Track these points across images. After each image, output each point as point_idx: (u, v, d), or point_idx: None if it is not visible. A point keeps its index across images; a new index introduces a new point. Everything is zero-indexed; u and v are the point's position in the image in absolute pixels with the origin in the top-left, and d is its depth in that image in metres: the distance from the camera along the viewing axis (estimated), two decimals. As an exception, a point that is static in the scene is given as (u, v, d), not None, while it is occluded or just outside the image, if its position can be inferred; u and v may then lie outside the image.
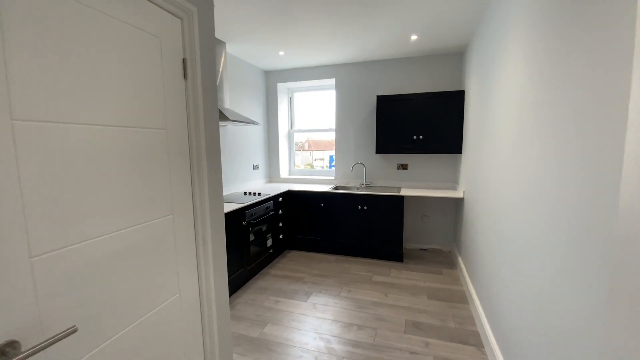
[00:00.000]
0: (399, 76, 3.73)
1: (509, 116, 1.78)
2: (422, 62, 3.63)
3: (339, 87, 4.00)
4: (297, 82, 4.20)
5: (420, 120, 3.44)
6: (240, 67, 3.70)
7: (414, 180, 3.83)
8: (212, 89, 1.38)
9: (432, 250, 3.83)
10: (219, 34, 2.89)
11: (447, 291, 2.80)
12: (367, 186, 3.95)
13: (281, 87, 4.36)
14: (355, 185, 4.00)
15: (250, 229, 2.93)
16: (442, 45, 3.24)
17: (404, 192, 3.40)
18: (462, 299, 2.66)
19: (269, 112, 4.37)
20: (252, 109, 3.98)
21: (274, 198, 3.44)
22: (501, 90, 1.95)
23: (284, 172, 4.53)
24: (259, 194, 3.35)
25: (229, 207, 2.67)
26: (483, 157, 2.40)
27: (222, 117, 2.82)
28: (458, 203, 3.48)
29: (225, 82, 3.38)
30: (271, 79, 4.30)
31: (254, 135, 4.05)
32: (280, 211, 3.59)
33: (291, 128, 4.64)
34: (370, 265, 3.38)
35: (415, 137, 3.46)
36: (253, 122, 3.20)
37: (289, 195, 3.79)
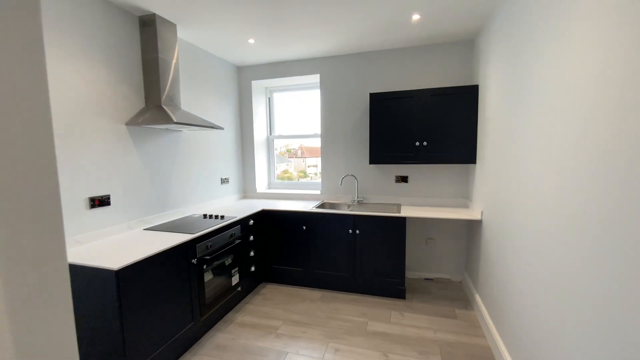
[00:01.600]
0: (397, 70, 3.09)
1: (575, 115, 1.12)
2: (424, 52, 3.00)
3: (324, 85, 3.35)
4: (275, 79, 3.53)
5: (423, 122, 2.79)
6: (204, 61, 3.02)
7: (416, 196, 3.16)
8: None
9: (440, 281, 3.15)
10: (161, 10, 2.21)
11: (466, 347, 2.10)
12: (360, 203, 3.26)
13: (257, 85, 3.68)
14: (345, 202, 3.31)
15: (204, 266, 2.21)
16: (449, 28, 2.61)
17: (405, 212, 2.73)
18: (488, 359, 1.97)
19: (242, 115, 3.68)
20: (220, 112, 3.29)
21: (243, 221, 2.72)
22: (555, 81, 1.30)
23: (261, 186, 3.82)
24: (222, 216, 2.64)
25: (170, 240, 1.96)
26: (514, 168, 1.75)
27: (166, 118, 2.12)
28: (473, 225, 2.81)
29: (182, 78, 2.69)
30: (244, 76, 3.63)
31: (223, 142, 3.35)
32: (252, 237, 2.87)
33: (270, 134, 3.96)
34: (364, 305, 2.67)
35: (417, 143, 2.81)
36: (213, 127, 2.51)
37: (264, 216, 3.08)
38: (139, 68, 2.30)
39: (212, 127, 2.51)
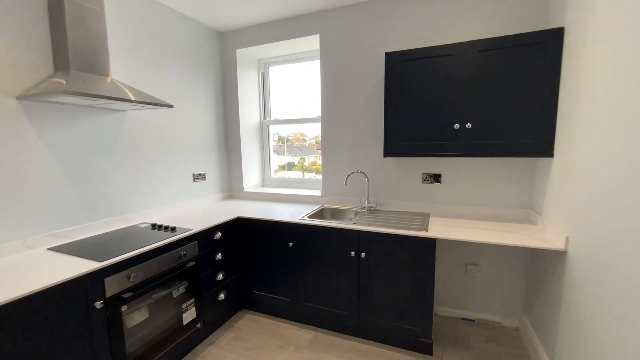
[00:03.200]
0: (425, 16, 2.13)
1: None
2: (470, -11, 2.01)
3: (325, 49, 2.47)
4: (265, 45, 2.71)
5: (465, 94, 1.83)
6: (168, 22, 2.28)
7: (453, 203, 2.22)
8: None
9: (485, 324, 2.20)
10: None
11: None
12: (372, 211, 2.38)
13: (244, 57, 2.89)
14: (352, 209, 2.45)
15: (122, 307, 1.49)
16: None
17: (436, 229, 1.82)
18: None
19: (227, 95, 2.92)
20: (192, 90, 2.55)
21: (204, 235, 1.98)
22: None
23: (252, 184, 3.06)
24: (173, 228, 1.91)
25: (62, 272, 1.25)
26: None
27: (57, 88, 1.40)
28: (544, 253, 1.84)
29: (131, 42, 1.98)
30: (228, 44, 2.85)
31: (196, 128, 2.62)
32: (220, 254, 2.13)
33: (264, 118, 3.17)
34: (370, 364, 1.83)
35: (456, 126, 1.86)
36: (154, 104, 1.77)
37: (240, 226, 2.32)
38: (44, 18, 1.60)
39: (153, 105, 1.77)
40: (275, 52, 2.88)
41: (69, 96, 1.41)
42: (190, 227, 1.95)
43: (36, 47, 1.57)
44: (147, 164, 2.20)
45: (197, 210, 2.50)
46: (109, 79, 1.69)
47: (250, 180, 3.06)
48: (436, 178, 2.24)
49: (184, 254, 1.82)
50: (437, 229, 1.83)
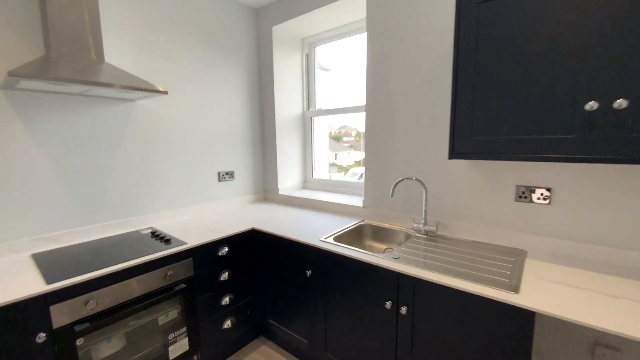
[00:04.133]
0: None
1: None
2: None
3: (373, 13, 1.82)
4: (305, 16, 2.20)
5: (609, 47, 0.97)
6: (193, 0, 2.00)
7: (571, 237, 1.33)
8: None
9: None
10: None
11: None
12: (430, 236, 1.65)
13: (284, 34, 2.44)
14: (402, 229, 1.77)
15: (77, 340, 1.21)
16: None
17: (535, 292, 1.03)
18: None
19: (262, 81, 2.53)
20: (219, 76, 2.23)
21: (204, 250, 1.62)
22: None
23: (288, 185, 2.63)
24: (168, 240, 1.59)
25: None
26: None
27: (43, 72, 1.16)
28: None
29: (136, 22, 1.73)
30: (264, 22, 2.44)
31: (226, 120, 2.30)
32: (226, 274, 1.74)
33: (307, 109, 2.69)
34: None
35: (590, 105, 1.01)
36: (144, 89, 1.45)
37: (256, 238, 1.90)
38: (34, -3, 1.42)
39: (141, 90, 1.45)
40: (318, 27, 2.35)
41: (27, 80, 1.17)
42: (186, 241, 1.60)
43: (25, 30, 1.40)
44: (161, 161, 1.95)
45: (217, 214, 2.18)
46: (102, 64, 1.44)
47: (288, 181, 2.62)
48: (542, 195, 1.38)
49: (171, 274, 1.48)
50: (539, 289, 1.04)
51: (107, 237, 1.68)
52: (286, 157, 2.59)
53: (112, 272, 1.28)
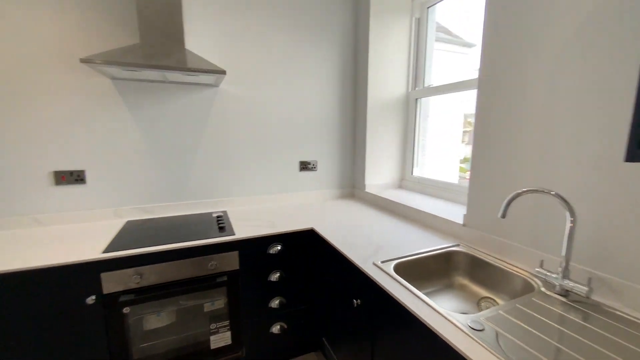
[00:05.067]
0: None
1: None
2: None
3: None
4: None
5: None
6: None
7: None
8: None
9: None
10: None
11: None
12: (575, 301, 0.92)
13: (384, -3, 1.99)
14: (519, 271, 1.08)
15: (125, 309, 1.29)
16: None
17: None
18: None
19: (358, 58, 2.17)
20: (304, 54, 2.03)
21: (252, 244, 1.49)
22: None
23: (379, 182, 2.20)
24: (222, 227, 1.54)
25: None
26: None
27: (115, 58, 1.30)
28: None
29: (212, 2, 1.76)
30: (364, -14, 2.05)
31: (310, 105, 2.10)
32: (278, 274, 1.57)
33: (413, 88, 2.14)
34: None
35: None
36: (202, 71, 1.41)
37: (315, 242, 1.63)
38: (138, -5, 1.60)
39: (204, 72, 1.41)
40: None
41: (101, 67, 1.30)
42: (237, 232, 1.51)
43: (123, 22, 1.60)
44: (241, 147, 1.95)
45: (292, 206, 2.03)
46: (179, 50, 1.49)
47: (379, 177, 2.19)
48: None
49: (213, 264, 1.41)
50: None
51: (185, 215, 1.81)
52: (378, 149, 2.16)
53: (157, 251, 1.31)
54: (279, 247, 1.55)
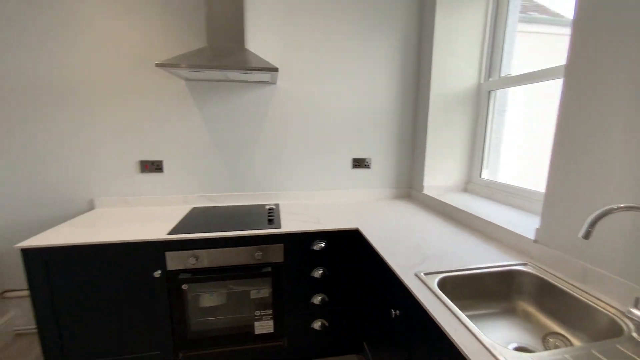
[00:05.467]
0: None
1: None
2: None
3: None
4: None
5: None
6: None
7: None
8: None
9: None
10: None
11: None
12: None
13: (455, -23, 1.77)
14: (603, 308, 0.86)
15: (183, 286, 1.45)
16: None
17: None
18: None
19: (422, 46, 1.99)
20: (359, 46, 1.95)
21: (295, 239, 1.51)
22: None
23: (439, 183, 2.01)
24: (271, 219, 1.60)
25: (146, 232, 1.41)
26: None
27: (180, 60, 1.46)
28: None
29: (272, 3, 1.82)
30: (432, -32, 1.86)
31: (366, 99, 2.02)
32: (320, 272, 1.57)
33: (487, 78, 1.88)
34: None
35: None
36: (255, 69, 1.46)
37: (359, 243, 1.57)
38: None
39: (257, 70, 1.47)
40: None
41: (172, 69, 1.46)
42: (282, 226, 1.55)
43: (194, 29, 1.76)
44: (295, 142, 1.99)
45: (342, 204, 2.00)
46: (240, 50, 1.59)
47: (440, 178, 2.00)
48: None
49: (259, 254, 1.48)
50: None
51: (241, 205, 1.93)
52: (440, 147, 1.97)
53: (210, 237, 1.43)
54: (322, 245, 1.54)
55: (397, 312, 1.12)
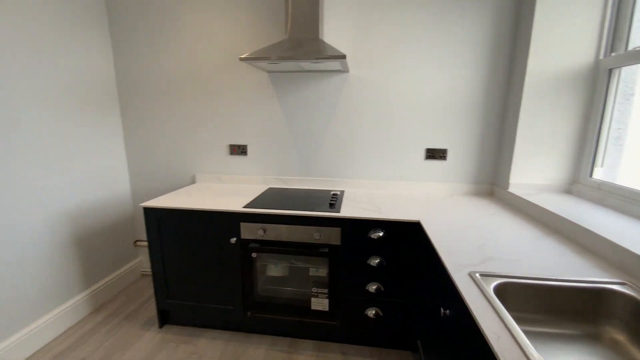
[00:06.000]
0: None
1: None
2: None
3: None
4: None
5: None
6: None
7: None
8: None
9: None
10: None
11: None
12: None
13: None
14: None
15: (253, 254, 1.65)
16: None
17: None
18: None
19: (518, 16, 1.70)
20: (440, 28, 1.79)
21: (352, 225, 1.55)
22: None
23: (531, 181, 1.73)
24: (333, 204, 1.66)
25: (231, 204, 1.68)
26: None
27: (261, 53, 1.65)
28: None
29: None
30: None
31: (445, 84, 1.86)
32: (377, 261, 1.56)
33: (609, 53, 1.50)
34: None
35: None
36: (328, 57, 1.52)
37: (417, 235, 1.50)
38: (289, -3, 1.88)
39: (326, 58, 1.53)
40: None
41: (251, 62, 1.64)
42: (341, 211, 1.59)
43: (277, 22, 1.92)
44: (364, 131, 1.99)
45: (410, 197, 1.91)
46: (313, 41, 1.68)
47: (533, 175, 1.72)
48: None
49: (318, 235, 1.57)
50: None
51: (309, 189, 2.06)
52: (535, 139, 1.67)
53: (276, 213, 1.59)
54: (380, 234, 1.52)
55: (447, 311, 1.04)
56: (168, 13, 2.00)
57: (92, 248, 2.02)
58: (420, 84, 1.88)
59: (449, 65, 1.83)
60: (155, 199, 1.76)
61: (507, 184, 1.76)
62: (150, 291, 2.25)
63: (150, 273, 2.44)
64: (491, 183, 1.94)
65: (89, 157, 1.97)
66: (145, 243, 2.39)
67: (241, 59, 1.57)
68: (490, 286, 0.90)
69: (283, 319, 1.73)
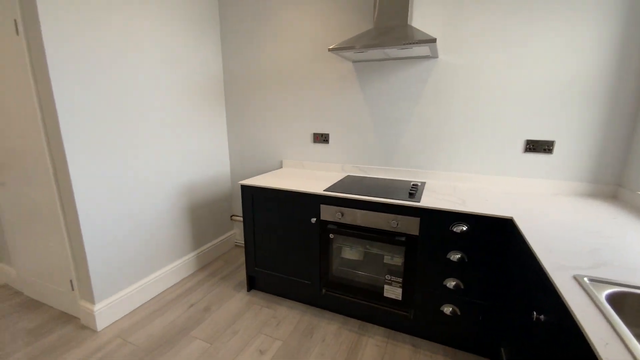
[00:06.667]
0: None
1: None
2: None
3: None
4: None
5: None
6: None
7: None
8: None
9: None
10: None
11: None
12: None
13: None
14: None
15: (330, 235, 1.74)
16: None
17: None
18: None
19: (677, -19, 1.34)
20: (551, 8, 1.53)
21: (432, 216, 1.49)
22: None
23: (675, 184, 1.37)
24: (413, 194, 1.63)
25: (306, 185, 1.83)
26: None
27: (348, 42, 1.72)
28: None
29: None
30: None
31: (553, 68, 1.61)
32: (458, 256, 1.47)
33: None
34: None
35: None
36: (411, 43, 1.48)
37: (508, 233, 1.35)
38: (380, -15, 1.88)
39: (413, 44, 1.49)
40: None
41: (336, 52, 1.71)
42: (422, 201, 1.55)
43: (362, 13, 1.94)
44: (451, 120, 1.87)
45: (503, 192, 1.73)
46: (402, 27, 1.66)
47: (679, 175, 1.36)
48: None
49: (395, 223, 1.56)
50: None
51: (388, 179, 2.04)
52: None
53: (353, 198, 1.64)
54: (464, 228, 1.43)
55: (541, 316, 0.94)
56: (265, 16, 2.22)
57: (200, 217, 2.43)
58: (522, 68, 1.66)
59: (560, 44, 1.56)
60: (250, 179, 2.01)
61: (638, 186, 1.43)
62: (241, 259, 2.59)
63: (242, 244, 2.80)
64: (614, 183, 1.61)
65: (199, 141, 2.36)
66: (239, 218, 2.75)
67: (330, 50, 1.65)
68: (602, 293, 0.77)
69: (355, 301, 1.78)
